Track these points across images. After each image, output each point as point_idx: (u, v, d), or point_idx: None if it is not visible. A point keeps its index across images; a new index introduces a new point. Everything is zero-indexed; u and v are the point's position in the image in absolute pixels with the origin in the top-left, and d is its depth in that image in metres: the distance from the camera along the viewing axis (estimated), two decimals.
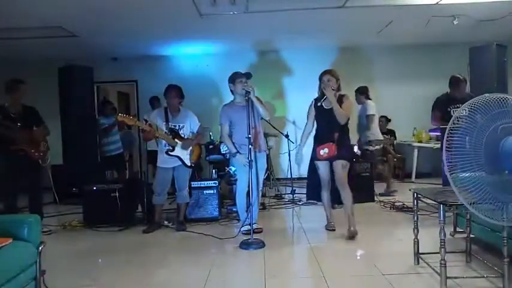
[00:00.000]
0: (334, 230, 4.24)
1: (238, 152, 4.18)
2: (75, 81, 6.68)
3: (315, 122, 4.21)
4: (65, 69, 6.69)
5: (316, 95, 4.29)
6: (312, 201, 5.40)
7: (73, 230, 4.70)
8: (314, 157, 4.17)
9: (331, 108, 4.01)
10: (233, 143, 4.22)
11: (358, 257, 3.49)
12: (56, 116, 6.60)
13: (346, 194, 4.05)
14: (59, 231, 4.67)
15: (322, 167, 4.15)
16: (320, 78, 4.13)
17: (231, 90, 4.30)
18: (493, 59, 5.52)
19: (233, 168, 4.94)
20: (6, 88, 4.49)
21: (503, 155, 2.23)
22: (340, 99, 4.06)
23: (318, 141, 4.14)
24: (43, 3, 4.82)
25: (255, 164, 4.09)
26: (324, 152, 4.04)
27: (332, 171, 4.15)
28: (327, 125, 4.09)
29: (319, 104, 4.14)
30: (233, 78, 4.23)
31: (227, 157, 5.54)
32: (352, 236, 3.92)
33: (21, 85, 4.55)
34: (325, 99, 4.06)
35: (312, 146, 4.20)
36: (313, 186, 4.66)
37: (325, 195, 4.25)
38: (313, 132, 4.31)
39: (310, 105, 4.23)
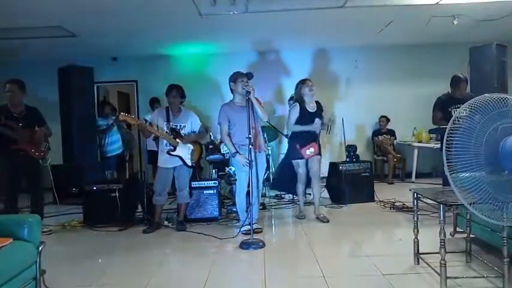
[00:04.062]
0: (304, 218, 4.77)
1: (237, 152, 4.18)
2: (75, 81, 6.69)
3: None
4: (65, 69, 6.70)
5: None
6: (282, 193, 6.09)
7: (73, 230, 4.70)
8: (295, 156, 4.66)
9: (315, 111, 4.63)
10: (232, 143, 4.22)
11: (358, 257, 3.49)
12: (56, 116, 6.61)
13: (318, 186, 4.82)
14: (59, 231, 4.67)
15: (303, 165, 4.67)
16: (304, 86, 4.65)
17: (231, 90, 4.30)
18: (493, 59, 5.52)
19: (233, 168, 4.95)
20: None
21: (503, 155, 2.23)
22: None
23: (302, 141, 4.59)
24: (43, 3, 4.82)
25: (255, 164, 4.09)
26: (310, 151, 4.58)
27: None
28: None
29: (306, 107, 4.62)
30: (234, 78, 4.23)
31: (227, 157, 5.55)
32: (327, 221, 4.58)
33: (23, 86, 4.54)
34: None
35: (288, 146, 4.89)
36: (283, 180, 5.26)
37: (302, 188, 4.80)
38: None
39: (294, 107, 4.63)
